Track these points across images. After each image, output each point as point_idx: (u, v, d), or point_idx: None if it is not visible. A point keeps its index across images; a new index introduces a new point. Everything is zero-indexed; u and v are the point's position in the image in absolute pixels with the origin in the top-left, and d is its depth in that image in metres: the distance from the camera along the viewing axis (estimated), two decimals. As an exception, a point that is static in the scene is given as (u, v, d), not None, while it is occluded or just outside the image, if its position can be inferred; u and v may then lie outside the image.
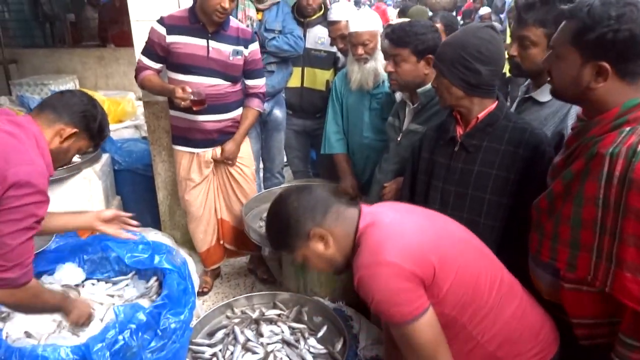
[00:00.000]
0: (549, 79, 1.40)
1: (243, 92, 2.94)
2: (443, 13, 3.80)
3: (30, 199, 1.49)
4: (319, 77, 3.54)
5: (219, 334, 2.19)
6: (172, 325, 1.83)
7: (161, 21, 2.73)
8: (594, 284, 1.26)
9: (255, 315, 2.31)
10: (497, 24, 7.35)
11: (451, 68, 1.71)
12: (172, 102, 2.73)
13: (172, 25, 2.71)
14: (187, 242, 3.27)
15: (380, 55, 2.66)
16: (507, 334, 1.42)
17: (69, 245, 2.23)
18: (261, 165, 3.88)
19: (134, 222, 2.06)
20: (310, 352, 2.07)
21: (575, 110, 1.72)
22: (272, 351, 2.05)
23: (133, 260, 2.15)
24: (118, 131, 3.99)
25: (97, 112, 1.75)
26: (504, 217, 1.73)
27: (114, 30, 6.30)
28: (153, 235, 2.80)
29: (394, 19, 2.69)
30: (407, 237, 1.36)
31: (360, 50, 2.70)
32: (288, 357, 2.03)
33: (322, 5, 3.55)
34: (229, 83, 2.82)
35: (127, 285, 2.17)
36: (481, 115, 1.75)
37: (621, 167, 1.17)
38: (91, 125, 1.72)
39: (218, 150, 2.93)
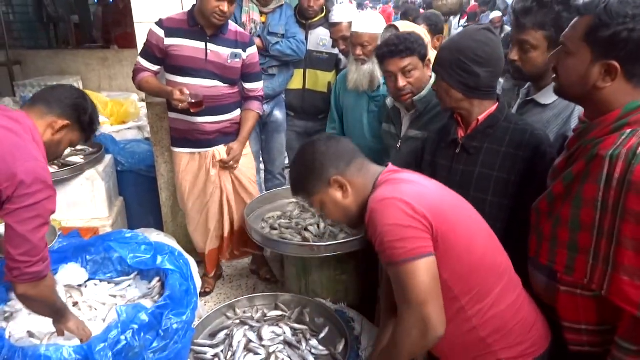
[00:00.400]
0: (554, 76, 1.39)
1: (241, 94, 2.95)
2: (426, 13, 3.81)
3: (43, 195, 1.53)
4: (321, 79, 3.54)
5: (221, 335, 2.20)
6: (174, 326, 1.84)
7: (160, 23, 2.74)
8: (590, 287, 1.26)
9: (257, 316, 2.32)
10: (507, 27, 7.35)
11: (450, 71, 1.72)
12: (171, 104, 2.74)
13: (171, 27, 2.72)
14: (190, 243, 3.27)
15: None
16: (500, 323, 1.43)
17: (71, 245, 2.24)
18: (262, 167, 3.89)
19: None
20: (312, 354, 2.07)
21: (579, 112, 1.72)
22: (273, 352, 2.05)
23: (135, 260, 2.16)
24: (121, 132, 4.00)
25: (88, 105, 1.79)
26: (505, 218, 1.73)
27: (117, 31, 6.33)
28: (155, 236, 2.80)
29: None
30: (426, 189, 1.42)
31: (359, 51, 2.71)
32: (290, 358, 2.03)
33: (324, 7, 3.56)
34: (227, 85, 2.83)
35: (129, 285, 2.18)
36: (481, 117, 1.76)
37: (621, 170, 1.17)
38: (82, 118, 1.76)
39: (217, 151, 2.93)
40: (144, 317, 1.77)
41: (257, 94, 2.96)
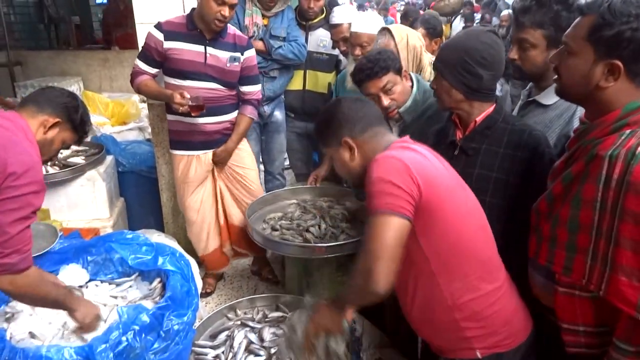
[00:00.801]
0: (555, 77, 1.39)
1: (238, 96, 2.96)
2: (424, 16, 3.82)
3: (28, 189, 1.54)
4: (321, 80, 3.55)
5: (222, 336, 2.20)
6: (175, 327, 1.84)
7: (159, 27, 2.74)
8: (588, 287, 1.26)
9: (258, 317, 2.32)
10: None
11: (453, 71, 1.71)
12: (170, 107, 2.74)
13: (170, 31, 2.73)
14: (190, 244, 3.28)
15: None
16: (475, 309, 1.46)
17: (72, 246, 2.24)
18: (262, 168, 3.89)
19: None
20: (313, 355, 2.07)
21: (581, 112, 1.72)
22: (274, 353, 2.05)
23: (136, 261, 2.16)
24: (122, 133, 4.01)
25: (78, 104, 1.82)
26: (504, 219, 1.73)
27: (118, 32, 6.33)
28: (156, 236, 2.80)
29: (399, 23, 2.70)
30: (429, 162, 1.46)
31: (358, 51, 2.72)
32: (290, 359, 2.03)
33: (324, 9, 3.57)
34: (226, 88, 2.83)
35: (130, 286, 2.18)
36: (479, 118, 1.75)
37: (620, 170, 1.17)
38: (73, 116, 1.78)
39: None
40: (145, 318, 1.77)
41: (252, 97, 2.96)
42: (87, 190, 3.17)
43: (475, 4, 10.00)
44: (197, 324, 2.15)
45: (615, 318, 1.24)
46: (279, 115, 3.59)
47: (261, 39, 3.29)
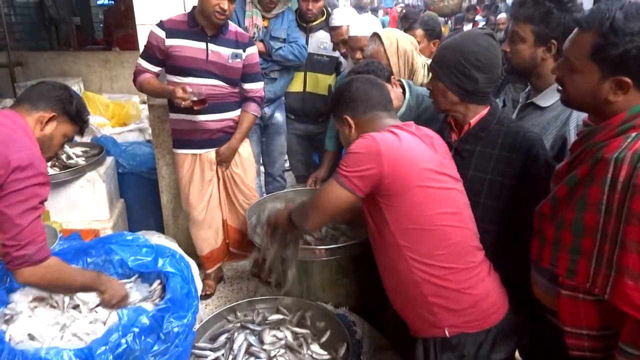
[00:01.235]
0: (559, 87, 1.38)
1: (241, 94, 2.95)
2: (424, 18, 3.83)
3: (33, 181, 1.55)
4: (322, 82, 3.55)
5: (222, 338, 2.19)
6: (175, 329, 1.83)
7: (161, 25, 2.74)
8: (592, 291, 1.25)
9: (258, 319, 2.31)
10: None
11: (448, 73, 1.71)
12: (172, 104, 2.74)
13: (172, 28, 2.73)
14: (191, 246, 3.27)
15: None
16: (443, 286, 1.55)
17: (72, 248, 2.23)
18: (262, 169, 3.89)
19: None
20: (313, 358, 2.06)
21: (577, 114, 1.72)
22: (274, 356, 2.04)
23: (136, 263, 2.15)
24: (122, 134, 4.00)
25: (71, 95, 1.81)
26: (500, 221, 1.74)
27: (119, 33, 6.33)
28: (156, 238, 2.79)
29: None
30: (408, 148, 1.55)
31: (358, 55, 2.72)
32: (291, 362, 2.02)
33: (324, 10, 3.56)
34: (228, 85, 2.83)
35: (130, 288, 2.16)
36: (473, 120, 1.75)
37: (625, 173, 1.16)
38: (67, 108, 1.77)
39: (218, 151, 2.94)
40: (144, 320, 1.76)
41: (255, 94, 2.96)
42: (87, 192, 3.16)
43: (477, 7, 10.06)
44: (196, 326, 2.14)
45: (621, 322, 1.23)
46: (279, 116, 3.59)
47: (261, 40, 3.29)
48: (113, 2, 7.75)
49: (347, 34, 3.01)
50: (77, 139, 2.20)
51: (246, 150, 3.06)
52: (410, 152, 1.55)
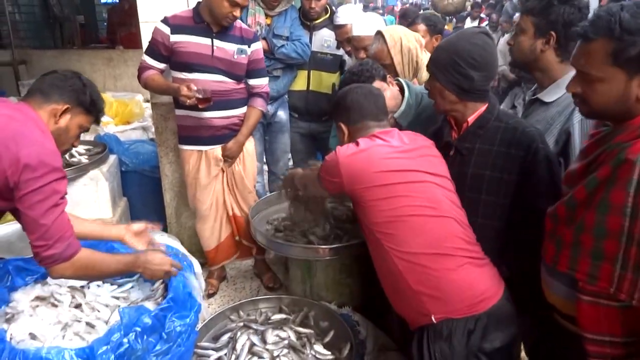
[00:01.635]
0: (577, 101, 1.36)
1: (247, 90, 2.94)
2: (425, 14, 3.80)
3: (49, 178, 1.52)
4: (325, 80, 3.53)
5: (225, 338, 2.18)
6: (178, 329, 1.82)
7: (165, 21, 2.73)
8: (617, 296, 1.22)
9: (261, 319, 2.30)
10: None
11: (444, 72, 1.73)
12: (178, 101, 2.73)
13: (177, 24, 2.72)
14: (194, 245, 3.25)
15: None
16: (426, 275, 1.59)
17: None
18: (265, 168, 3.87)
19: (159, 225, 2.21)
20: (317, 358, 2.05)
21: None
22: (277, 356, 2.03)
23: (139, 262, 2.14)
24: (126, 133, 3.99)
25: (84, 85, 1.75)
26: (501, 216, 1.75)
27: (122, 32, 6.33)
28: (159, 237, 2.78)
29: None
30: (375, 154, 1.69)
31: (362, 54, 2.71)
32: (294, 362, 2.01)
33: (328, 8, 3.54)
34: (234, 81, 2.82)
35: (132, 287, 2.15)
36: (471, 118, 1.77)
37: None
38: (82, 98, 1.72)
39: (224, 148, 2.92)
40: (146, 319, 1.75)
41: (261, 90, 2.94)
42: (90, 190, 3.15)
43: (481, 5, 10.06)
44: (199, 325, 2.13)
45: None
46: (282, 115, 3.57)
47: (264, 38, 3.28)
48: (117, 1, 7.73)
49: (351, 33, 2.99)
50: (81, 136, 2.18)
51: (251, 146, 3.05)
52: (368, 159, 1.68)
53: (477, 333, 1.56)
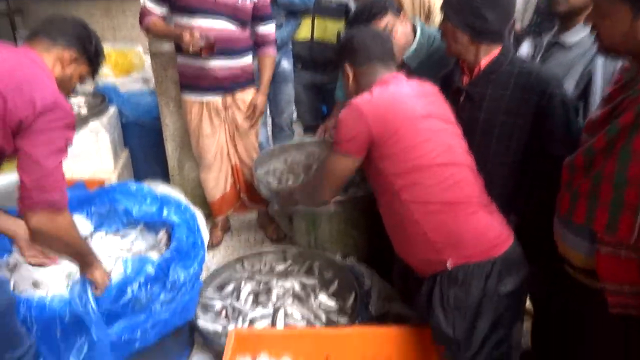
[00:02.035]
0: (595, 34, 1.29)
1: (252, 39, 2.84)
2: None
3: (61, 122, 1.47)
4: (330, 28, 3.41)
5: (229, 288, 2.18)
6: (182, 278, 1.82)
7: None
8: (637, 246, 1.18)
9: (265, 269, 2.29)
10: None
11: (458, 12, 1.67)
12: (180, 47, 2.64)
13: None
14: (197, 196, 3.23)
15: None
16: (441, 221, 1.58)
17: (75, 197, 2.19)
18: (269, 121, 3.81)
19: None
20: (321, 308, 2.05)
21: None
22: (282, 305, 2.03)
23: (141, 213, 2.12)
24: (125, 84, 3.90)
25: (91, 34, 1.69)
26: (512, 163, 1.73)
27: (120, -20, 6.14)
28: (162, 188, 2.75)
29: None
30: (394, 98, 1.62)
31: None
32: (298, 311, 2.01)
33: None
34: (238, 28, 2.71)
35: (136, 238, 2.14)
36: (484, 62, 1.71)
37: None
38: (88, 47, 1.66)
39: (228, 98, 2.85)
40: (150, 269, 1.75)
41: (271, 38, 2.86)
42: (91, 141, 3.10)
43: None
44: (204, 275, 2.12)
45: None
46: (286, 64, 3.48)
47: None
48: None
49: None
50: (79, 87, 2.11)
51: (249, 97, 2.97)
52: (400, 100, 1.62)
53: (493, 277, 1.55)
